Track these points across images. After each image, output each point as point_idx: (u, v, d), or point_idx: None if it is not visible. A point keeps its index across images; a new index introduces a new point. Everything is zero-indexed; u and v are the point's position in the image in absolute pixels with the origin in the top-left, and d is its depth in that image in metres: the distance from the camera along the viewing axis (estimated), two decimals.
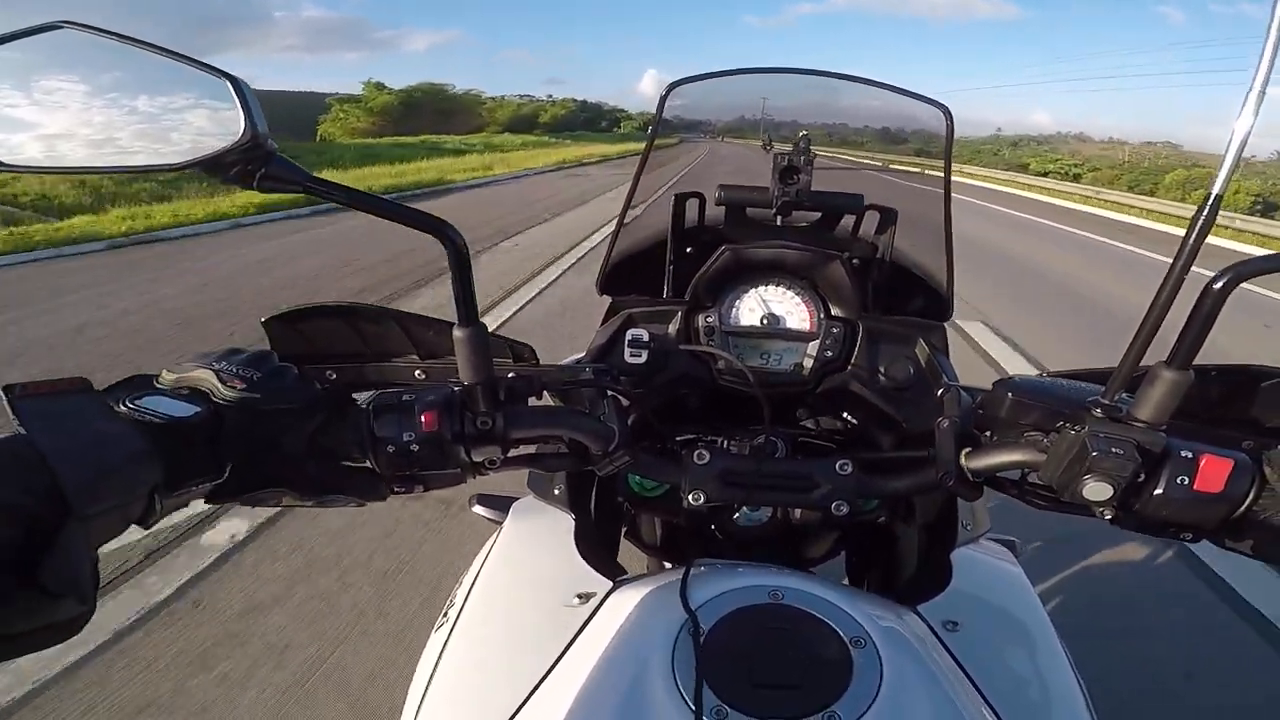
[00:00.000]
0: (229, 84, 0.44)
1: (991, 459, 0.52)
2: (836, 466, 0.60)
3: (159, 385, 0.45)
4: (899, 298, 0.80)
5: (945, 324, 0.76)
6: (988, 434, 0.55)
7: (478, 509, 0.95)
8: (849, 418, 0.77)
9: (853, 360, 0.72)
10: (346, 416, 0.50)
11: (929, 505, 0.74)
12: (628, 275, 0.82)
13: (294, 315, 0.63)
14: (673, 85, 0.80)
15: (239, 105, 0.44)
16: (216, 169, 0.43)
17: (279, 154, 0.44)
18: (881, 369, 0.71)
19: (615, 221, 0.81)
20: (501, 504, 0.90)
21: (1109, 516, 0.47)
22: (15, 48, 0.45)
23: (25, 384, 0.37)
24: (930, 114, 0.78)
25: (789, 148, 0.76)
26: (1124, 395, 0.45)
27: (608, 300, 0.80)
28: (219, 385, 0.44)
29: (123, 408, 0.40)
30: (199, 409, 0.42)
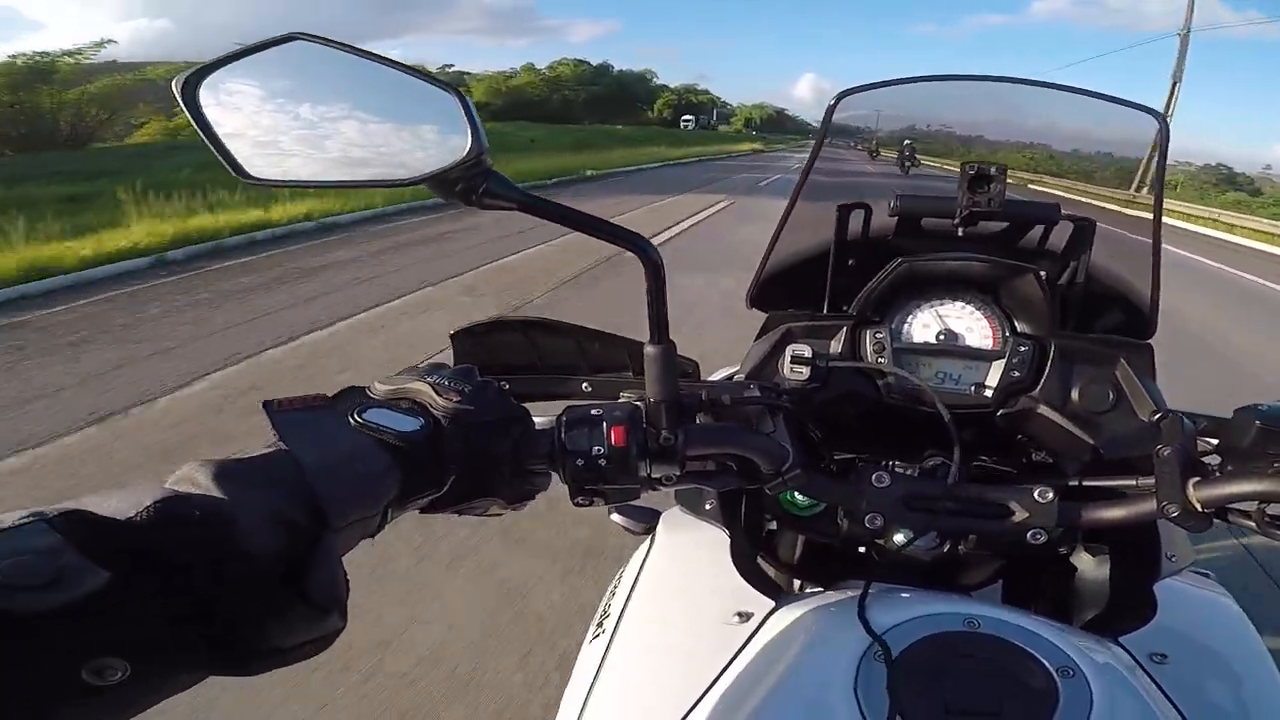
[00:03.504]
0: (456, 99, 0.45)
1: (1227, 489, 0.49)
2: (1036, 494, 0.57)
3: (373, 396, 0.46)
4: (1092, 314, 0.74)
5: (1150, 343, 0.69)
6: (1217, 462, 0.53)
7: (616, 518, 0.96)
8: (1037, 441, 0.71)
9: (1042, 381, 0.67)
10: (537, 428, 0.50)
11: (1127, 535, 0.69)
12: (780, 289, 0.79)
13: (479, 329, 0.66)
14: (841, 95, 0.77)
15: (465, 121, 0.44)
16: (442, 185, 0.44)
17: (497, 171, 0.45)
18: (1075, 392, 0.66)
19: (771, 234, 0.78)
20: (641, 515, 0.91)
21: None
22: (253, 62, 0.47)
23: (280, 400, 0.38)
24: (1138, 124, 0.71)
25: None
26: None
27: None
28: (436, 398, 0.45)
29: (354, 420, 0.41)
30: (423, 421, 0.43)
